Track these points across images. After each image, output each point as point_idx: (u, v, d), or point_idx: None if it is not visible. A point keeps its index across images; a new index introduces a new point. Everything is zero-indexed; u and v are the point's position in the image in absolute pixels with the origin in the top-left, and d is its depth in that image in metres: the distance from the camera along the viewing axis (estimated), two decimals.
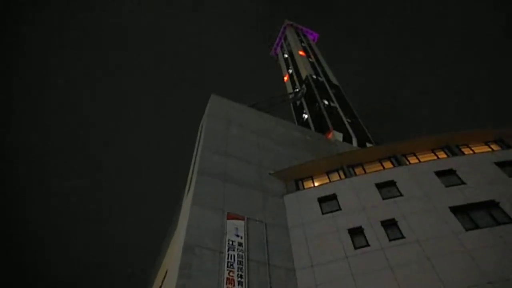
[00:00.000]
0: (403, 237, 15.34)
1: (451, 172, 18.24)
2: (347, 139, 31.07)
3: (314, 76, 44.50)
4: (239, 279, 13.49)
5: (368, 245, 15.47)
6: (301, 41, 59.48)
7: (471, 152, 19.94)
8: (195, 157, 21.60)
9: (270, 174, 20.60)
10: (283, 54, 61.70)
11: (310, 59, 51.53)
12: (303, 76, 45.55)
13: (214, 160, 19.70)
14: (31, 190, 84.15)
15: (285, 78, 54.52)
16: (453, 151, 20.10)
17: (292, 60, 54.33)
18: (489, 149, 19.83)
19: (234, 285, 13.14)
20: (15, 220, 75.65)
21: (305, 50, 55.35)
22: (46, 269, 71.21)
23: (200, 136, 23.24)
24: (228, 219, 16.03)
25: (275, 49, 67.16)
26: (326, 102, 37.79)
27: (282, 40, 64.94)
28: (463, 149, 20.16)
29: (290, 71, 52.90)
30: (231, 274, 13.54)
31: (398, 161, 20.27)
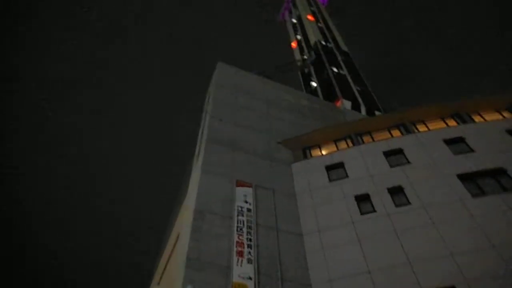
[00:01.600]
0: (409, 203, 15.58)
1: (460, 140, 18.09)
2: (356, 107, 30.78)
3: (323, 42, 43.33)
4: (248, 242, 14.02)
5: (374, 211, 15.77)
6: (310, 5, 57.36)
7: (481, 119, 19.65)
8: (203, 126, 21.71)
9: (278, 142, 20.71)
10: (291, 19, 59.84)
11: (319, 24, 49.94)
12: (312, 42, 44.37)
13: (222, 128, 19.82)
14: (32, 189, 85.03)
15: (293, 45, 53.22)
16: (463, 118, 19.82)
17: (300, 25, 52.75)
18: (501, 117, 19.52)
19: (243, 248, 13.70)
20: (15, 222, 77.41)
21: (314, 14, 53.50)
22: (46, 268, 73.09)
23: (207, 105, 23.22)
24: (237, 186, 16.38)
25: (283, 13, 65.05)
26: (335, 70, 37.06)
27: (290, 4, 62.71)
28: (473, 117, 19.86)
29: (299, 37, 51.52)
30: (240, 237, 14.07)
31: (406, 129, 20.12)
